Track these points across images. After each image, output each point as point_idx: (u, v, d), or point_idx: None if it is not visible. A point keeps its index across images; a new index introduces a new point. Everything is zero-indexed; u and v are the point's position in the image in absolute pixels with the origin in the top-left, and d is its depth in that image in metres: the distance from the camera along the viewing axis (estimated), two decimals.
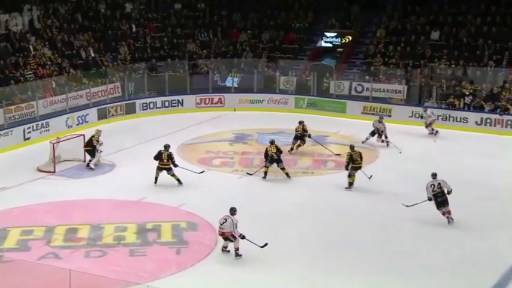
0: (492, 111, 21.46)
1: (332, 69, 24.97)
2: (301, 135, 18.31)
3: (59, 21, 24.88)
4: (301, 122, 18.50)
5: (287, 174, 16.12)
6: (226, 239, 11.88)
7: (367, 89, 23.62)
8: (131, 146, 17.75)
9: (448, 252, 12.17)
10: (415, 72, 23.60)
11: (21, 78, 21.38)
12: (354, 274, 11.30)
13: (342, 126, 21.50)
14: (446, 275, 11.30)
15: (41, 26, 24.16)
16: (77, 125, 20.88)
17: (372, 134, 19.33)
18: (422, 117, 20.90)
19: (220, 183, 15.89)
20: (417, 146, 19.17)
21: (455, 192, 13.41)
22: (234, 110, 23.88)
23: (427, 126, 20.44)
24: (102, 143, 16.93)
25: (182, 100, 23.80)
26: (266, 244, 11.70)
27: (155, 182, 15.44)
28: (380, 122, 19.43)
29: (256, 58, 26.06)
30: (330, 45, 26.53)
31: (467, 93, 22.02)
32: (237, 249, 11.79)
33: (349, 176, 15.39)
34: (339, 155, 17.82)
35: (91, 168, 16.77)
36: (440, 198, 13.19)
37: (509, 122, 20.96)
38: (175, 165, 15.33)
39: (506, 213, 14.02)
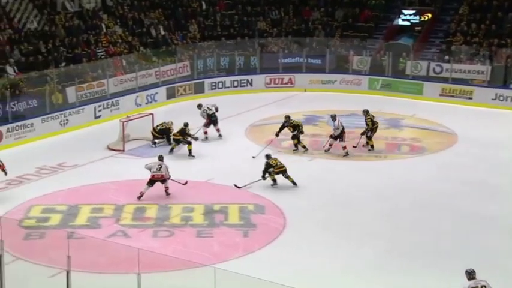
0: None
1: (409, 48, 24.25)
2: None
3: None
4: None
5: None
6: (155, 182, 13.41)
7: (447, 69, 22.75)
8: (200, 127, 17.53)
9: None
10: (500, 52, 22.43)
11: (93, 58, 21.58)
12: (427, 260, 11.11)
13: (418, 109, 20.96)
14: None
15: (113, 4, 24.32)
16: (146, 103, 21.05)
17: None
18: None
19: (289, 166, 15.55)
20: (503, 131, 18.25)
21: None
22: (305, 91, 23.53)
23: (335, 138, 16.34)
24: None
25: (251, 80, 23.65)
26: (186, 182, 13.83)
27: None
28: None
29: (328, 37, 25.54)
30: (408, 23, 25.68)
31: None
32: (167, 188, 13.63)
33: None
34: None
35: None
36: None
37: None
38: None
39: None
